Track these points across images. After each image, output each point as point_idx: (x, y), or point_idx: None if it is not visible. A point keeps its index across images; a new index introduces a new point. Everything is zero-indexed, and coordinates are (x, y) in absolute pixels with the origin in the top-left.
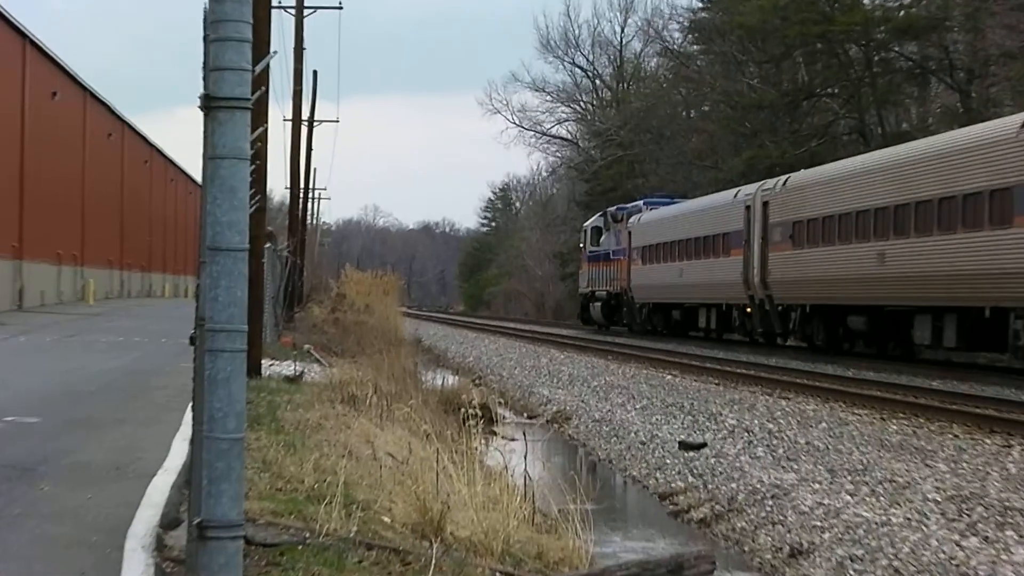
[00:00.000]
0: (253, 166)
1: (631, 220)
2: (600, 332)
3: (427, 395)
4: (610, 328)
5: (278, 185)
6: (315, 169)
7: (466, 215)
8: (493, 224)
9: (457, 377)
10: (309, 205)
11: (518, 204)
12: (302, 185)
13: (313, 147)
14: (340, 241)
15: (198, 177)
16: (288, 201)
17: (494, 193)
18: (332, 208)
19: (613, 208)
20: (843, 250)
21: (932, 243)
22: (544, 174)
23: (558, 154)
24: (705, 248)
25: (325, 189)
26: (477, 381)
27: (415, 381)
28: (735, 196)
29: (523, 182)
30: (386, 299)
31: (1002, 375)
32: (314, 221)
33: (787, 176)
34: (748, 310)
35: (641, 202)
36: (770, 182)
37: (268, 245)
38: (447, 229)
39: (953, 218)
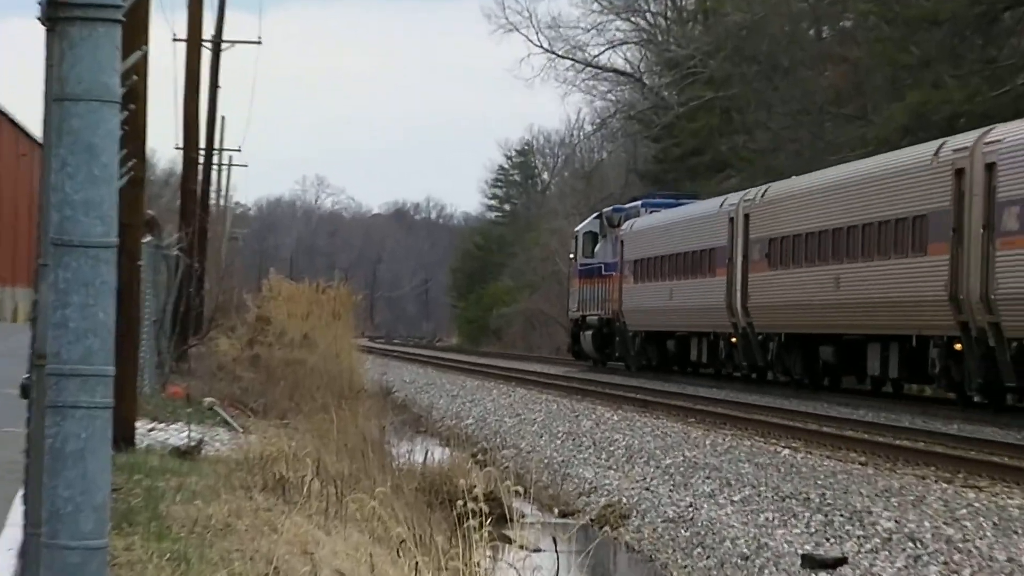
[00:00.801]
0: (125, 112)
1: (624, 226)
2: (596, 370)
3: (400, 479)
4: (606, 364)
5: (164, 143)
6: (223, 118)
7: (463, 193)
8: (506, 207)
9: (448, 450)
10: (214, 175)
11: (546, 176)
12: (203, 144)
13: (220, 83)
14: (264, 233)
15: (36, 130)
16: (181, 169)
17: (508, 158)
18: (251, 181)
19: (609, 209)
20: (809, 273)
21: (875, 268)
22: (588, 128)
23: (610, 96)
24: (692, 265)
25: (239, 151)
26: (480, 456)
27: (381, 456)
28: (720, 205)
29: (554, 140)
30: (336, 326)
31: None
32: (222, 201)
33: (768, 185)
34: (733, 339)
35: (640, 203)
36: (752, 191)
37: (148, 239)
38: (433, 215)
39: (888, 243)
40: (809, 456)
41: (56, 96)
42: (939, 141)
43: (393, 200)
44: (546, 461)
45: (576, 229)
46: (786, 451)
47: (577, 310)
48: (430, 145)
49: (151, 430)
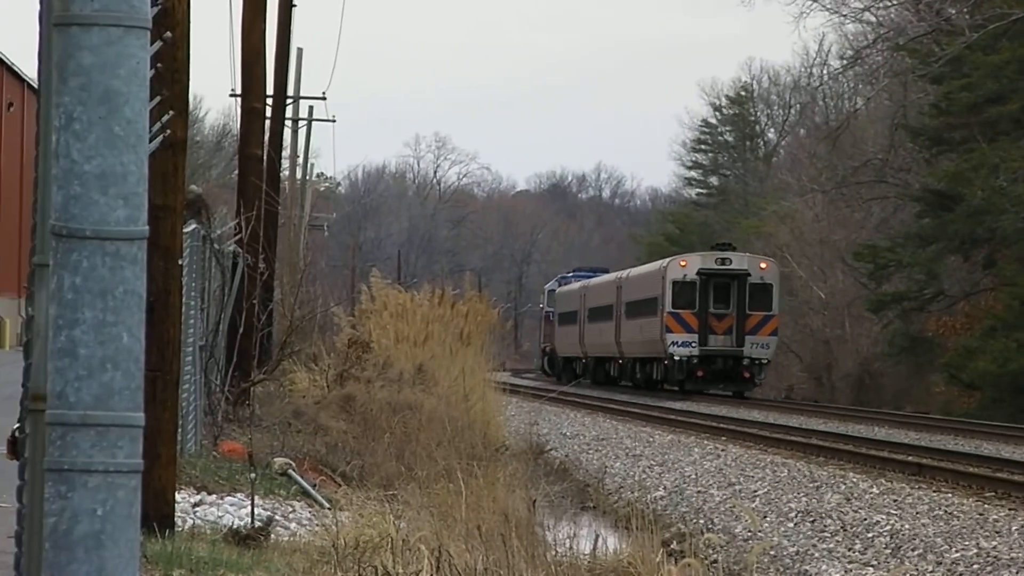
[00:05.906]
0: (158, 43)
1: (558, 288)
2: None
3: None
4: (560, 378)
5: (216, 89)
6: (301, 51)
7: (650, 162)
8: (713, 181)
9: (629, 535)
10: (287, 136)
11: (772, 135)
12: (271, 89)
13: (296, 1)
14: (360, 219)
15: (29, 68)
16: (238, 127)
17: (716, 108)
18: (341, 144)
19: (559, 276)
20: (597, 326)
21: (636, 322)
22: (835, 64)
23: (869, 16)
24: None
25: (324, 99)
26: (675, 544)
27: (531, 544)
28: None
29: (784, 83)
30: (465, 354)
31: None
32: (300, 173)
33: (588, 282)
34: (620, 362)
35: (572, 274)
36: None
37: (193, 227)
38: (606, 193)
39: (649, 309)
40: None
41: (57, 19)
42: (668, 259)
43: (547, 172)
44: (772, 553)
45: (546, 286)
46: None
47: (544, 342)
48: (600, 92)
49: (198, 505)
